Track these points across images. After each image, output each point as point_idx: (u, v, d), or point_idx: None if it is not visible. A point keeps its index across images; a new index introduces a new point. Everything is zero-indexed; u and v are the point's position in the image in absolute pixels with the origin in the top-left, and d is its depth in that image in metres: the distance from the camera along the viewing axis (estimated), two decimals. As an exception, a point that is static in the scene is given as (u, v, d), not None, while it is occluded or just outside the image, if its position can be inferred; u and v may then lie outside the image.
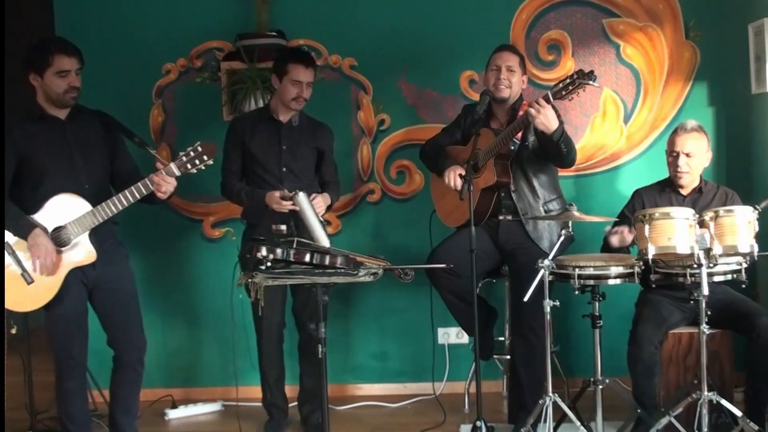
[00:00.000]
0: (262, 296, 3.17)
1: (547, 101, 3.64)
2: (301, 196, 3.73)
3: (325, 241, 3.63)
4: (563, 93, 3.62)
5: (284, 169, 4.02)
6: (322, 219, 3.81)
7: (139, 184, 3.46)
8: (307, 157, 4.09)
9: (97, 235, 3.52)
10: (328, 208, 4.11)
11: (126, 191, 3.46)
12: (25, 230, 3.41)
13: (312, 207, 3.73)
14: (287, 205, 3.82)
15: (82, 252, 3.49)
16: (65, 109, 3.56)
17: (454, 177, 3.93)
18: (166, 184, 3.47)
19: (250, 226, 4.10)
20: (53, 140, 3.52)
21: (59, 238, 3.46)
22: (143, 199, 3.51)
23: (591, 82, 3.56)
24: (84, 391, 3.74)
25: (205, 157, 3.45)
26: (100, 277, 3.58)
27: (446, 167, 3.99)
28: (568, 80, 3.61)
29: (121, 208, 3.47)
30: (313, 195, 3.90)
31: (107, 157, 3.66)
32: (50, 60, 3.46)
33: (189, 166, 3.46)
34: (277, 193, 3.86)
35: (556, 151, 3.77)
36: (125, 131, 3.68)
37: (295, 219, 3.88)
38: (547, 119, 3.65)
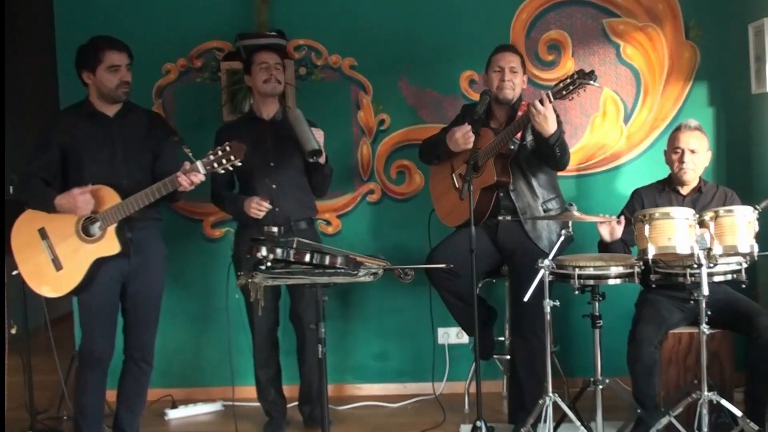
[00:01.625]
0: (262, 296, 3.18)
1: (548, 101, 3.64)
2: (297, 112, 3.84)
3: (313, 142, 3.79)
4: (564, 93, 3.62)
5: (272, 164, 4.02)
6: (316, 138, 3.86)
7: (165, 180, 3.51)
8: (295, 151, 4.05)
9: (136, 230, 3.60)
10: (321, 194, 4.18)
11: (153, 186, 3.51)
12: (49, 202, 3.49)
13: (306, 123, 3.83)
14: (264, 207, 3.88)
15: (107, 244, 3.54)
16: (115, 107, 3.65)
17: (463, 133, 3.88)
18: (190, 183, 3.50)
19: (242, 227, 4.09)
20: (98, 136, 3.62)
21: (87, 228, 3.53)
22: (169, 196, 3.55)
23: (592, 82, 3.56)
24: (101, 387, 3.75)
25: (233, 157, 3.48)
26: (134, 270, 3.65)
27: (449, 133, 3.98)
28: (568, 80, 3.61)
29: (147, 202, 3.52)
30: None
31: (150, 156, 3.71)
32: (101, 56, 3.56)
33: (215, 165, 3.49)
34: (256, 198, 3.90)
35: (550, 152, 3.77)
36: (168, 130, 3.76)
37: (286, 222, 3.92)
38: (546, 121, 3.65)
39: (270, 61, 4.01)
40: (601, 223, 3.79)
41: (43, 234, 3.54)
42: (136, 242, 3.60)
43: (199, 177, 3.51)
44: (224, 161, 3.48)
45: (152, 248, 3.71)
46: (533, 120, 3.67)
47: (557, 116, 3.74)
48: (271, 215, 3.93)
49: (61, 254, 3.53)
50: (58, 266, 3.52)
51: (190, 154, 3.53)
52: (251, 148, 4.01)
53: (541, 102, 3.63)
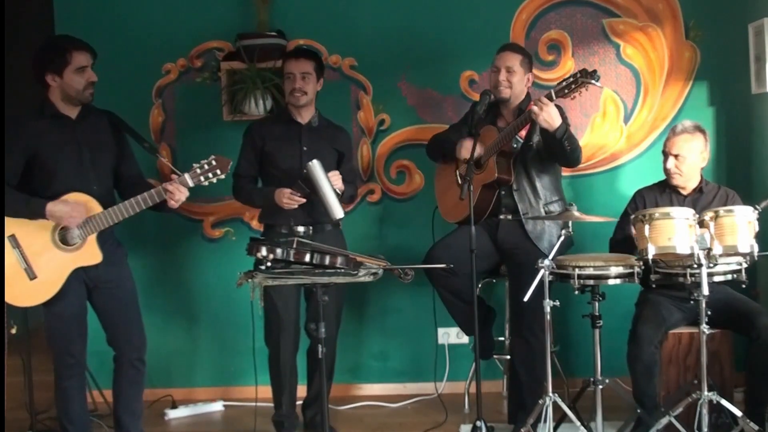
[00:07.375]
0: (262, 297, 3.18)
1: (550, 99, 3.65)
2: (315, 164, 3.73)
3: (338, 211, 3.73)
4: (566, 91, 3.63)
5: (304, 171, 3.96)
6: (337, 190, 3.79)
7: (152, 191, 3.48)
8: (328, 158, 4.01)
9: (99, 235, 3.52)
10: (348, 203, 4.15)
11: (138, 197, 3.48)
12: (38, 209, 3.41)
13: (326, 176, 3.74)
14: (297, 200, 3.82)
15: (88, 253, 3.49)
16: (76, 108, 3.57)
17: (464, 148, 3.91)
18: (179, 193, 3.50)
19: (269, 227, 4.04)
20: (64, 138, 3.53)
21: (65, 237, 3.47)
22: (152, 206, 3.52)
23: (593, 82, 3.57)
24: (83, 391, 3.74)
25: (218, 171, 3.51)
26: (101, 277, 3.58)
27: (456, 144, 3.99)
28: (571, 78, 3.62)
29: (132, 213, 3.49)
30: (332, 171, 3.84)
31: (114, 157, 3.67)
32: (68, 58, 3.47)
33: (202, 178, 3.51)
34: (287, 190, 3.83)
35: (560, 149, 3.77)
36: (135, 135, 3.70)
37: (313, 224, 3.88)
38: (549, 116, 3.66)
39: (296, 71, 3.94)
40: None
41: (14, 242, 3.42)
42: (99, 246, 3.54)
43: (185, 192, 3.51)
44: (210, 175, 3.51)
45: (113, 249, 3.63)
46: (537, 120, 3.68)
47: (562, 112, 3.75)
48: (298, 217, 3.88)
49: (34, 263, 3.43)
50: (31, 275, 3.42)
51: (166, 161, 3.56)
52: (284, 152, 3.99)
53: (541, 101, 3.64)
